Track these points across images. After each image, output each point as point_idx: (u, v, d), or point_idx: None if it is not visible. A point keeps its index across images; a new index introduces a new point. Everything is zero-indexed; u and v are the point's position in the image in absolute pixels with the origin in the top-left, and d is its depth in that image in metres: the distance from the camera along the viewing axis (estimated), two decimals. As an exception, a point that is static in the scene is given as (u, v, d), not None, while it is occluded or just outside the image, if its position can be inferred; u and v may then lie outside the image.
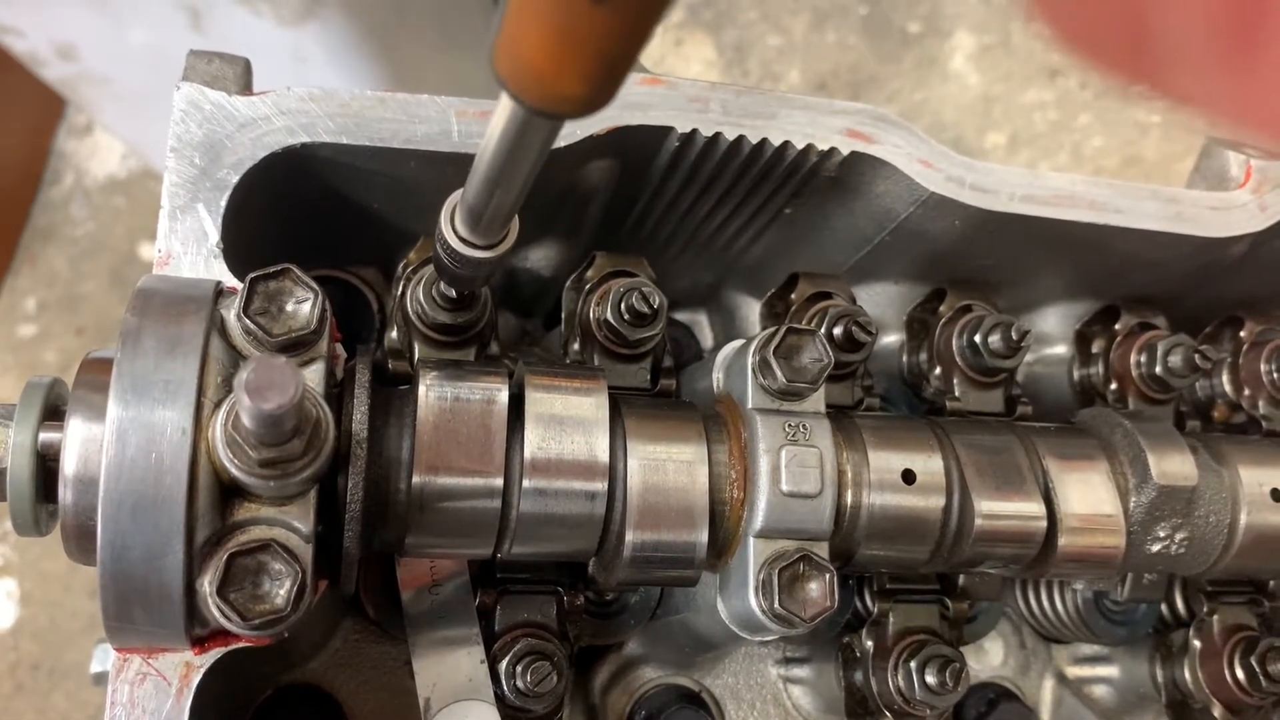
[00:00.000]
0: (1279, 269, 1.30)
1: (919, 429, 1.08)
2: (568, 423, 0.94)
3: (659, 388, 1.11)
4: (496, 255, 0.84)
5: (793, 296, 1.22)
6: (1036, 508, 1.05)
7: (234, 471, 0.76)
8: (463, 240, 0.83)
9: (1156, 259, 1.22)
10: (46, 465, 0.82)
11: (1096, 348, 1.35)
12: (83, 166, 3.78)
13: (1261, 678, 1.21)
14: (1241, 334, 1.38)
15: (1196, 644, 1.28)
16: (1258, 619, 1.29)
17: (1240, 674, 1.23)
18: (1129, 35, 0.43)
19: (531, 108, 0.62)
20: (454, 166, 0.99)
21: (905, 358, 1.33)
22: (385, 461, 0.90)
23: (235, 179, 0.95)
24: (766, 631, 0.97)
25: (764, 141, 1.05)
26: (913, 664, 1.12)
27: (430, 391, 0.92)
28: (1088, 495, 1.08)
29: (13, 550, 3.34)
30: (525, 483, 0.92)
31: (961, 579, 1.19)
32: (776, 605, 0.93)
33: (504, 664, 1.01)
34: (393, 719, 1.17)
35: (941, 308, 1.27)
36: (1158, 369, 1.26)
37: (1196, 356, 1.24)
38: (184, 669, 0.84)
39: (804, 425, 0.98)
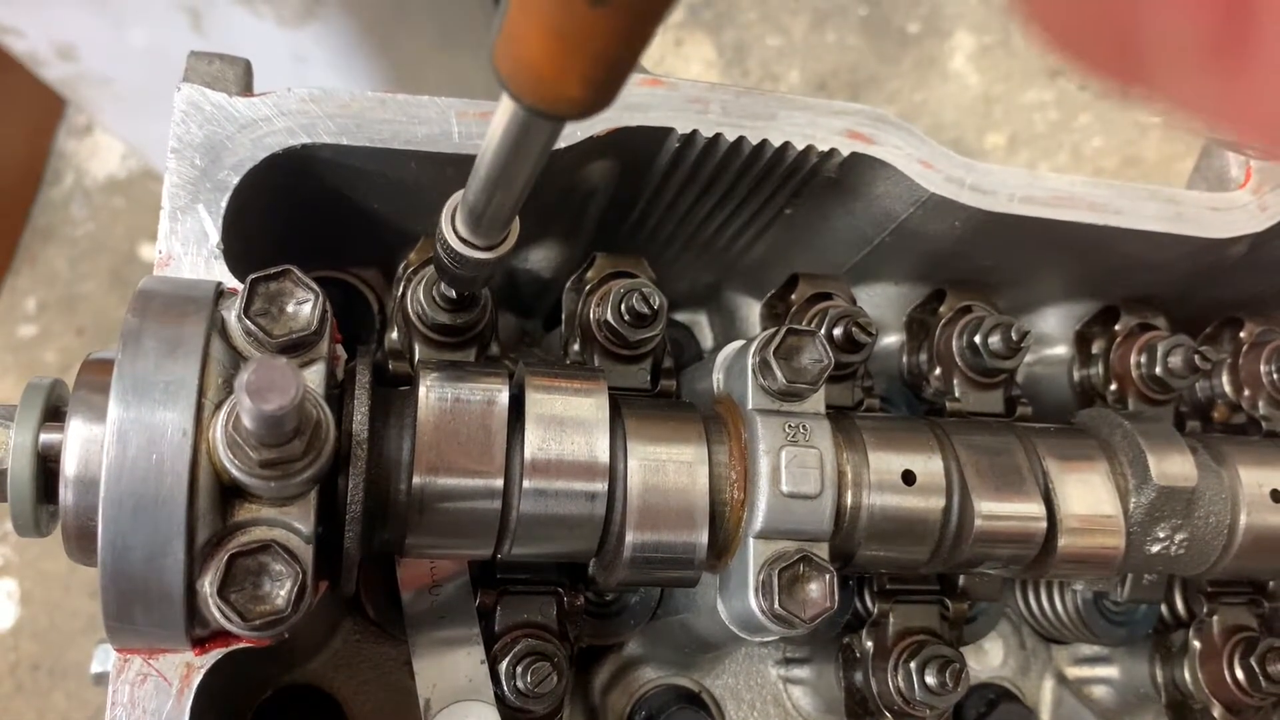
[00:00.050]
0: (1279, 269, 1.30)
1: (919, 430, 1.08)
2: (568, 423, 0.94)
3: (659, 388, 1.11)
4: (497, 256, 0.85)
5: (793, 297, 1.22)
6: (1036, 508, 1.05)
7: (235, 472, 0.76)
8: (463, 241, 0.84)
9: (1156, 260, 1.22)
10: (47, 466, 0.82)
11: (1096, 348, 1.35)
12: (83, 166, 3.78)
13: (1261, 678, 1.21)
14: (1241, 335, 1.38)
15: (1196, 644, 1.28)
16: (1257, 620, 1.29)
17: (1240, 674, 1.23)
18: (1118, 38, 0.43)
19: (532, 109, 0.62)
20: (454, 167, 0.99)
21: (905, 358, 1.33)
22: (386, 462, 0.91)
23: (236, 180, 0.95)
24: (766, 632, 0.97)
25: (764, 142, 1.05)
26: (913, 664, 1.12)
27: (430, 392, 0.92)
28: (1087, 496, 1.08)
29: (13, 550, 3.34)
30: (525, 483, 0.92)
31: (961, 579, 1.19)
32: (776, 606, 0.93)
33: (504, 664, 1.01)
34: (393, 719, 1.17)
35: (941, 308, 1.27)
36: (1158, 370, 1.26)
37: (1196, 357, 1.24)
38: (184, 669, 0.84)
39: (804, 426, 0.99)
